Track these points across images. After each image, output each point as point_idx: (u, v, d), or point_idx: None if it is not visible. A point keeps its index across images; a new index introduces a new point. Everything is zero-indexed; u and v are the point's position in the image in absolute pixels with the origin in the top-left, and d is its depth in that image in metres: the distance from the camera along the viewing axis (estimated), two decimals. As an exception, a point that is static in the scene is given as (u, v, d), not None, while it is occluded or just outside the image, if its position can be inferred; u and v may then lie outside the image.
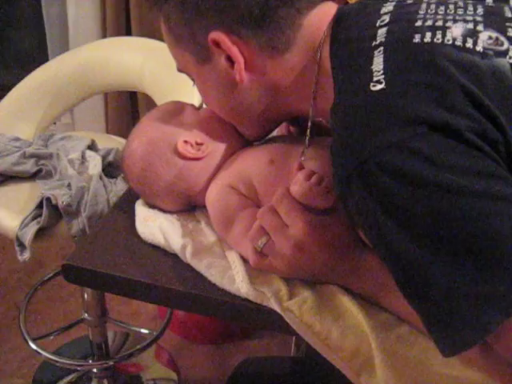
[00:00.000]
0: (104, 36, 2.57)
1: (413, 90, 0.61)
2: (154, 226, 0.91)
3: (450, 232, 0.58)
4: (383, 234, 0.62)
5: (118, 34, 2.50)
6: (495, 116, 0.59)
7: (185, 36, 0.80)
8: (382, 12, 0.73)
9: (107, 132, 2.62)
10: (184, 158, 0.91)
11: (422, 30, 0.66)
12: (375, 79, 0.63)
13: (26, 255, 1.27)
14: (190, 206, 0.96)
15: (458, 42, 0.64)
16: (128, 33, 2.49)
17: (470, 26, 0.67)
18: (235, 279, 0.81)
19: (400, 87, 0.62)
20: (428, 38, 0.65)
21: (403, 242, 0.60)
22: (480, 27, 0.66)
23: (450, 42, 0.64)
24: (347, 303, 0.77)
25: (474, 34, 0.65)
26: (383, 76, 0.63)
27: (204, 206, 0.92)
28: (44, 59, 2.76)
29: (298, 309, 0.76)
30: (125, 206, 0.99)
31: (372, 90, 0.62)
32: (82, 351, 1.77)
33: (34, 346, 1.64)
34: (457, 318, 0.59)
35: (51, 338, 1.78)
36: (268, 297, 0.78)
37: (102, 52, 1.71)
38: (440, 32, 0.66)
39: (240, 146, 0.93)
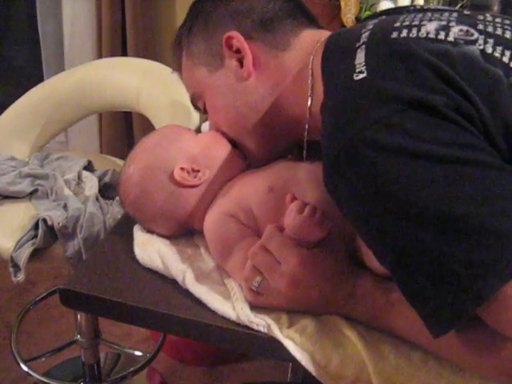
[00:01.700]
0: (99, 54, 2.58)
1: (391, 74, 0.66)
2: (153, 250, 0.90)
3: (434, 199, 0.60)
4: (371, 211, 0.65)
5: (113, 51, 2.51)
6: (468, 93, 0.64)
7: (201, 52, 0.92)
8: (367, 24, 0.79)
9: (101, 151, 2.61)
10: (180, 185, 0.91)
11: (399, 28, 0.73)
12: (357, 70, 0.68)
13: (21, 276, 1.26)
14: (187, 231, 0.96)
15: (431, 35, 0.70)
16: (123, 50, 2.51)
17: (444, 23, 0.73)
18: (235, 306, 0.80)
19: (379, 73, 0.67)
20: (404, 33, 0.71)
21: (391, 215, 0.63)
22: (452, 23, 0.73)
23: (424, 36, 0.70)
24: (347, 331, 0.77)
25: (446, 28, 0.71)
26: (365, 67, 0.68)
27: (202, 232, 0.91)
28: (39, 76, 2.77)
29: (298, 336, 0.76)
30: (123, 229, 0.98)
31: (355, 80, 0.68)
32: (73, 372, 1.75)
33: (25, 368, 1.63)
34: (450, 287, 0.60)
35: (43, 359, 1.76)
36: (268, 324, 0.78)
37: (99, 72, 1.70)
38: (415, 28, 0.72)
39: (237, 172, 0.94)
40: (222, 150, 0.94)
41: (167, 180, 0.91)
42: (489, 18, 0.76)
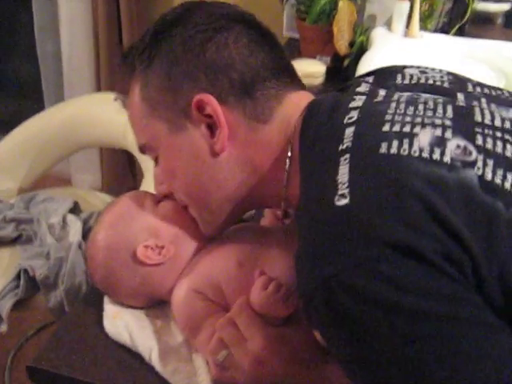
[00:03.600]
0: (97, 73, 2.59)
1: (376, 209, 0.59)
2: (121, 324, 0.89)
3: (412, 358, 0.55)
4: (343, 353, 0.61)
5: (111, 71, 2.52)
6: (461, 236, 0.57)
7: (162, 102, 0.79)
8: (350, 106, 0.71)
9: (102, 183, 2.65)
10: (145, 264, 0.88)
11: (388, 138, 0.64)
12: (340, 192, 0.61)
13: (3, 328, 1.26)
14: (158, 302, 0.93)
15: (425, 154, 0.61)
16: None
17: (438, 132, 0.64)
18: (200, 388, 0.79)
19: (364, 204, 0.59)
20: (394, 148, 0.62)
21: (363, 363, 0.59)
22: (448, 134, 0.64)
23: (417, 154, 0.61)
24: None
25: (441, 142, 0.63)
26: (348, 190, 0.60)
27: (173, 302, 0.90)
28: (39, 92, 2.78)
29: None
30: (94, 298, 0.96)
31: (336, 205, 0.60)
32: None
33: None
34: None
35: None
36: (234, 407, 0.76)
37: (87, 108, 1.69)
38: (407, 141, 0.63)
39: (204, 243, 0.90)
40: (186, 221, 0.89)
41: (131, 260, 0.88)
42: (484, 105, 0.69)
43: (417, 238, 0.57)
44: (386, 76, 0.80)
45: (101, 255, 0.90)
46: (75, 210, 1.48)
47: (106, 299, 0.94)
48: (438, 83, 0.76)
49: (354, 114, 0.69)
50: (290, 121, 0.77)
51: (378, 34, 1.71)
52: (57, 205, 1.46)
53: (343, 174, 0.62)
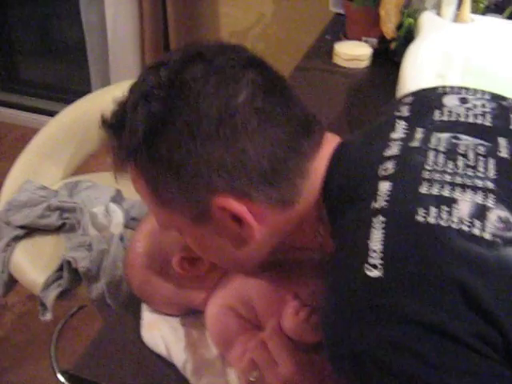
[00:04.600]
0: (142, 41, 2.61)
1: (411, 287, 0.57)
2: (158, 334, 0.91)
3: None
4: None
5: (155, 41, 2.53)
6: (497, 320, 0.55)
7: (176, 201, 0.71)
8: (385, 155, 0.68)
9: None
10: (180, 275, 0.89)
11: (426, 202, 0.61)
12: (371, 262, 0.59)
13: (48, 316, 1.30)
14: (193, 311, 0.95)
15: (465, 227, 0.59)
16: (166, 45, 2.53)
17: (479, 198, 0.61)
18: (233, 405, 0.81)
19: (397, 280, 0.58)
20: (433, 217, 0.60)
21: None
22: (490, 201, 0.61)
23: (457, 227, 0.59)
24: None
25: (482, 213, 0.60)
26: (381, 261, 0.58)
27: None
28: (84, 57, 2.81)
29: None
30: (134, 305, 0.98)
31: (367, 276, 0.59)
32: None
33: (61, 379, 1.69)
34: None
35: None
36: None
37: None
38: (446, 209, 0.60)
39: None
40: None
41: (167, 270, 0.90)
42: None
43: (450, 321, 0.55)
44: (423, 109, 0.76)
45: (138, 262, 0.92)
46: (117, 197, 1.49)
47: (143, 306, 0.96)
48: (479, 120, 0.72)
49: (390, 166, 0.66)
50: (317, 187, 0.73)
51: (426, 20, 1.64)
52: (99, 193, 1.48)
53: (376, 240, 0.60)
